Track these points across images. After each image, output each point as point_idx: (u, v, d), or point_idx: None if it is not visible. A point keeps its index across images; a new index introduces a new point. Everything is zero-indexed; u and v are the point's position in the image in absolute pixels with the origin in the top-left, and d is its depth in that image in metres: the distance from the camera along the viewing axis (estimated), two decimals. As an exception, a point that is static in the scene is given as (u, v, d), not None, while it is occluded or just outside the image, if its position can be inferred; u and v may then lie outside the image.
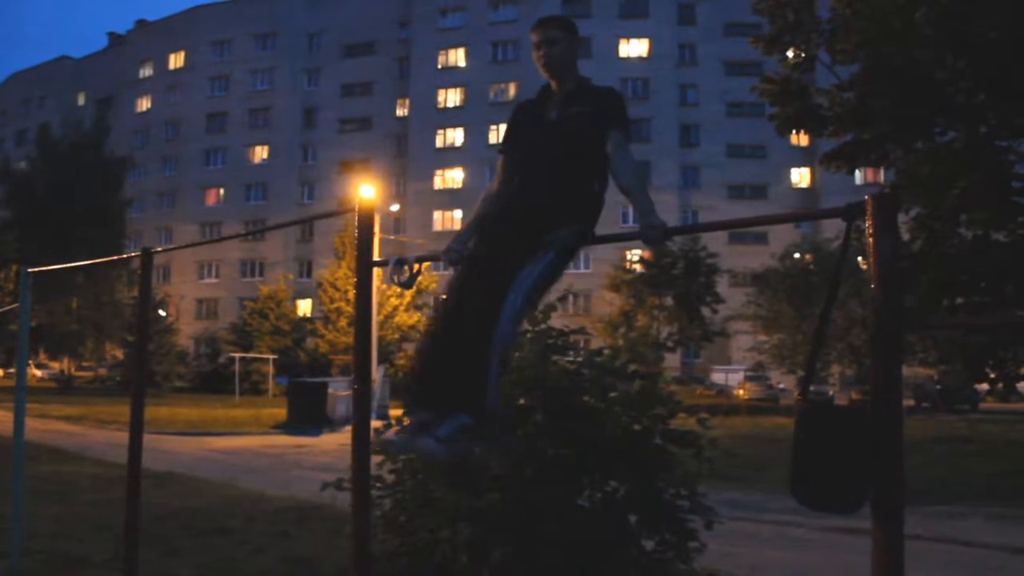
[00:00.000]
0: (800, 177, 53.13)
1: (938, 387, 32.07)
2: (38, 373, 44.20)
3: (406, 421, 4.77)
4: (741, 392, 35.00)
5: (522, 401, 4.38)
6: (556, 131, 2.87)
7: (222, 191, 59.92)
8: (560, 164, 2.81)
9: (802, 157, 50.45)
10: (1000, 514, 8.92)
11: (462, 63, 55.85)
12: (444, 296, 2.79)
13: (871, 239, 2.10)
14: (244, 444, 16.47)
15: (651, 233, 2.59)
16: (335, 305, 39.21)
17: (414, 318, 39.19)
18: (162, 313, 39.65)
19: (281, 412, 22.39)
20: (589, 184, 2.82)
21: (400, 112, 57.09)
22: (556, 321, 4.87)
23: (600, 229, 2.93)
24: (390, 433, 2.88)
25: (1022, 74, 11.17)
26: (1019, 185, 12.63)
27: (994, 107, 12.24)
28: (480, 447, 3.02)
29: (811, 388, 2.34)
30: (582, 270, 44.43)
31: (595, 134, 2.81)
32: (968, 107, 12.20)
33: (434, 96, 55.71)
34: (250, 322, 43.48)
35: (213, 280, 58.29)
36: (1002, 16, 10.99)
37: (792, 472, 2.12)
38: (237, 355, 37.55)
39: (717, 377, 41.99)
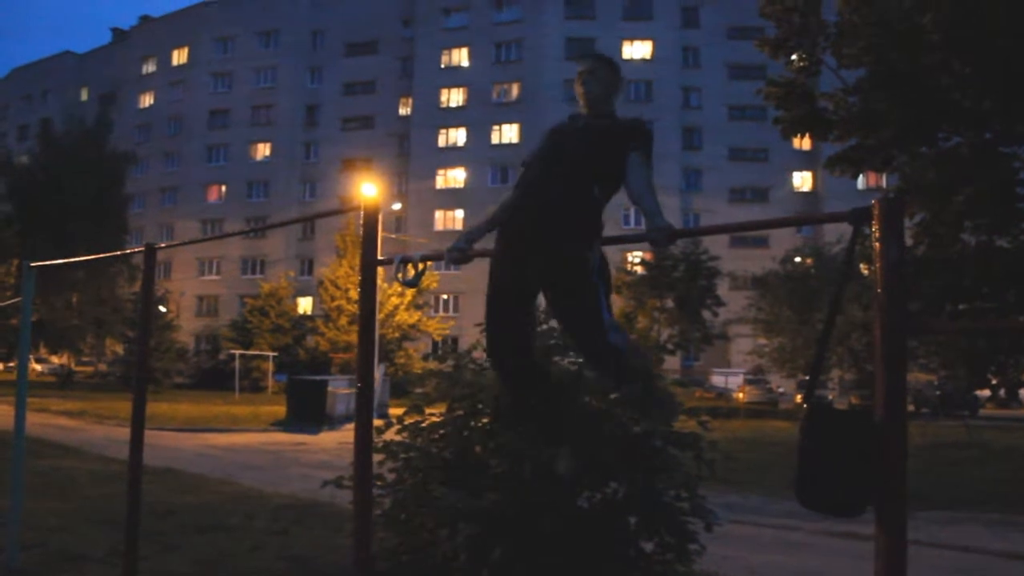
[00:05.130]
0: (802, 181, 53.08)
1: (938, 393, 32.03)
2: (38, 368, 44.23)
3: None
4: (741, 395, 34.99)
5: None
6: (574, 136, 2.98)
7: (224, 188, 59.86)
8: (566, 166, 2.89)
9: (804, 161, 50.42)
10: (1000, 520, 8.91)
11: (465, 63, 55.77)
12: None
13: (878, 244, 2.09)
14: (243, 441, 16.47)
15: (658, 235, 2.64)
16: (336, 303, 39.22)
17: (415, 317, 39.19)
18: (163, 309, 39.63)
19: (280, 410, 22.40)
20: (589, 187, 2.85)
21: (402, 111, 57.01)
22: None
23: (603, 231, 2.95)
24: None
25: (1028, 80, 11.16)
26: None
27: (1000, 113, 12.22)
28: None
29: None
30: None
31: (610, 145, 2.88)
32: (974, 113, 12.19)
33: (436, 95, 55.64)
34: (250, 319, 43.47)
35: (214, 277, 58.24)
36: (1010, 21, 10.97)
37: (796, 476, 2.11)
38: (237, 352, 37.58)
39: (717, 380, 41.98)
